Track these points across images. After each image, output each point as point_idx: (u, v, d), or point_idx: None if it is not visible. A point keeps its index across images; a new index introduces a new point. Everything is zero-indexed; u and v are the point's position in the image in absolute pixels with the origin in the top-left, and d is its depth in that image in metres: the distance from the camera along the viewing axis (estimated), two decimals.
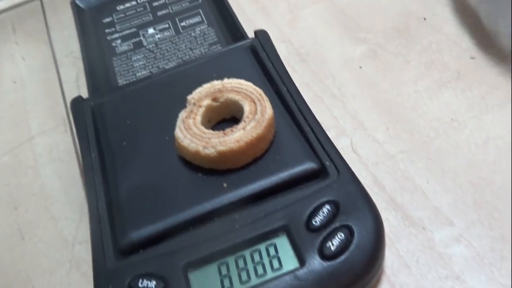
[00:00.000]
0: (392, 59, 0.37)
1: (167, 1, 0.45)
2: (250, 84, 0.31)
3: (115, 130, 0.33)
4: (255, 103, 0.29)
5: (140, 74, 0.40)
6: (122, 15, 0.45)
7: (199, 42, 0.41)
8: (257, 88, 0.30)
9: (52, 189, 0.35)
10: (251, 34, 0.40)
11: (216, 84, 0.31)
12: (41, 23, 0.48)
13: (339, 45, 0.39)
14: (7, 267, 0.31)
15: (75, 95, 0.41)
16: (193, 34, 0.42)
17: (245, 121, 0.28)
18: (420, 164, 0.31)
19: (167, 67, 0.39)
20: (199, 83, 0.33)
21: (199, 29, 0.42)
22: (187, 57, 0.40)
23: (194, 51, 0.40)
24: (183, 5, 0.44)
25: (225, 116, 0.31)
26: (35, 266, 0.31)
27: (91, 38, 0.44)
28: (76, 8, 0.46)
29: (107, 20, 0.45)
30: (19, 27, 0.48)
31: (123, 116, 0.34)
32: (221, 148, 0.27)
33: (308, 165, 0.28)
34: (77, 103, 0.36)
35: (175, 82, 0.35)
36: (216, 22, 0.42)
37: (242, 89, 0.30)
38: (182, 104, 0.32)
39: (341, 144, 0.32)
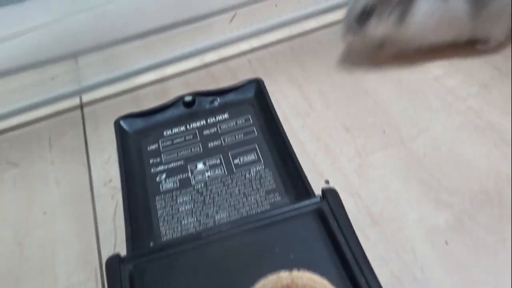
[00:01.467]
0: (483, 234, 0.31)
1: (219, 131, 0.41)
2: (325, 283, 0.25)
3: None
4: None
5: (186, 222, 0.35)
6: (169, 142, 0.41)
7: (254, 187, 0.36)
8: None
9: None
10: (310, 177, 0.35)
11: (284, 277, 0.26)
12: (80, 140, 0.45)
13: (418, 207, 0.34)
14: None
15: (110, 237, 0.37)
16: (247, 175, 0.37)
17: None
18: None
19: (217, 216, 0.35)
20: (259, 258, 0.29)
21: (254, 170, 0.37)
22: (241, 205, 0.35)
23: (249, 198, 0.36)
24: (237, 136, 0.40)
25: None
26: None
27: (134, 169, 0.39)
28: (119, 130, 0.42)
29: (152, 147, 0.41)
30: (56, 142, 0.45)
31: None
32: None
33: None
34: (113, 264, 0.31)
35: (229, 251, 0.30)
36: (274, 162, 0.38)
37: None
38: (239, 283, 0.27)
39: None
